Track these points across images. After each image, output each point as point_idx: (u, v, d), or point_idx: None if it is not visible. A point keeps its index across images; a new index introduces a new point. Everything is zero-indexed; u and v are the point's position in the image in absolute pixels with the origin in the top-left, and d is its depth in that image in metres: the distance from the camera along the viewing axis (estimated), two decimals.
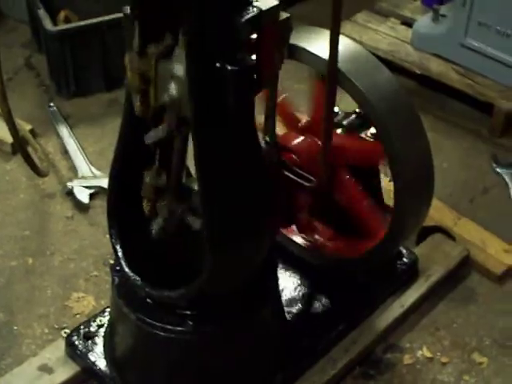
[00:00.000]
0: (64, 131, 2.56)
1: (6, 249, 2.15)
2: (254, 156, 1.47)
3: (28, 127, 2.52)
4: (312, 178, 1.68)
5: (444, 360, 1.89)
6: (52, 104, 2.68)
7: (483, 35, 2.53)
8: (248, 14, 1.38)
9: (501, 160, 2.47)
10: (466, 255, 2.10)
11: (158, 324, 1.57)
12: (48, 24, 2.60)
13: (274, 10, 1.43)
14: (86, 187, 2.32)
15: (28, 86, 2.79)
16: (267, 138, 1.66)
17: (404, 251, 2.03)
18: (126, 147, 1.52)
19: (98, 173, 2.38)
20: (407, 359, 1.89)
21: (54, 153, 2.50)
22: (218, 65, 1.30)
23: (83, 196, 2.30)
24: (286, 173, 1.69)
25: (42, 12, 2.64)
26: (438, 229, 2.16)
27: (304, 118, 1.86)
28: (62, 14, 2.80)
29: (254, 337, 1.65)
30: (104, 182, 2.19)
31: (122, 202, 1.59)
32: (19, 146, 2.05)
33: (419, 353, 1.90)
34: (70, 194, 2.32)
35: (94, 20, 2.62)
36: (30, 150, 2.40)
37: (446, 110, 2.69)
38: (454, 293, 2.05)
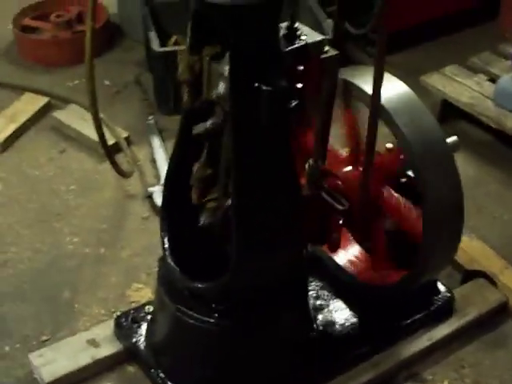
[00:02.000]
0: (156, 142, 2.81)
1: (83, 237, 2.41)
2: (286, 172, 1.63)
3: (124, 135, 2.79)
4: (346, 202, 1.83)
5: None
6: (151, 117, 2.94)
7: None
8: (293, 44, 1.57)
9: None
10: (504, 301, 2.17)
11: (189, 312, 1.75)
12: (155, 45, 2.87)
13: (318, 45, 1.61)
14: None
15: (133, 99, 3.07)
16: (310, 161, 1.83)
17: (442, 288, 2.13)
18: (180, 147, 1.72)
19: None
20: None
21: (143, 160, 2.75)
22: (256, 84, 1.49)
23: (160, 200, 2.51)
24: (324, 195, 1.84)
25: (152, 34, 2.92)
26: (483, 274, 2.24)
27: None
28: (172, 39, 3.06)
29: (273, 337, 1.80)
30: None
31: (176, 198, 1.79)
32: (103, 145, 2.31)
33: None
34: (149, 197, 2.56)
35: None
36: (122, 154, 2.68)
37: None
38: (486, 336, 2.12)
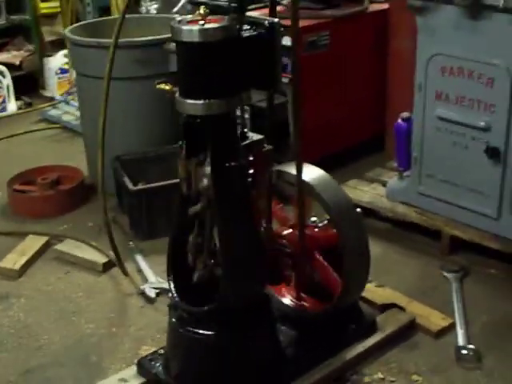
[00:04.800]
0: (139, 257, 3.65)
1: (97, 323, 3.18)
2: (252, 227, 2.53)
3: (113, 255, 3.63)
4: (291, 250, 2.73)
5: (391, 379, 2.79)
6: (131, 243, 3.79)
7: (431, 184, 3.61)
8: (245, 141, 2.51)
9: (447, 268, 3.44)
10: (413, 319, 3.04)
11: (188, 329, 2.56)
12: (130, 185, 3.78)
13: (259, 142, 2.55)
14: (154, 288, 3.37)
15: (114, 232, 3.92)
16: (264, 224, 2.72)
17: (367, 312, 3.00)
18: (179, 223, 2.59)
19: (161, 280, 3.42)
20: (367, 379, 2.79)
21: (131, 271, 3.56)
22: (227, 164, 2.40)
23: (151, 293, 3.34)
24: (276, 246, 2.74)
25: (125, 178, 3.84)
26: (395, 305, 3.13)
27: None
28: (140, 184, 3.98)
29: (251, 352, 2.60)
30: (166, 285, 3.25)
31: (175, 259, 2.64)
32: (114, 251, 3.17)
33: (375, 376, 2.81)
34: (142, 293, 3.37)
35: (162, 183, 3.79)
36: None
37: (410, 240, 3.71)
38: (403, 343, 2.97)
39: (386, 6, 4.48)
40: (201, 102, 2.31)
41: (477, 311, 3.15)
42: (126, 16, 5.06)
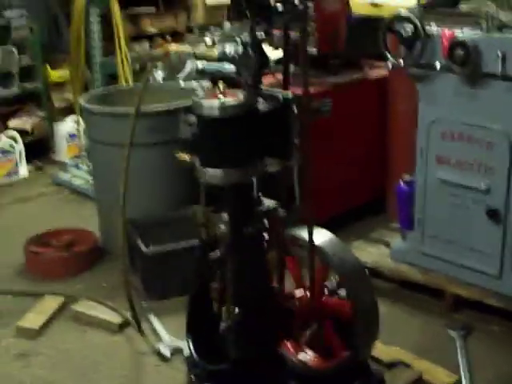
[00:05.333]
0: (152, 318, 3.77)
1: (115, 380, 3.30)
2: (265, 284, 2.67)
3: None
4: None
5: None
6: (143, 303, 3.92)
7: (433, 244, 3.76)
8: (260, 208, 2.67)
9: (451, 326, 3.57)
10: (419, 376, 3.17)
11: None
12: (143, 247, 3.93)
13: (274, 209, 2.71)
14: (168, 347, 3.49)
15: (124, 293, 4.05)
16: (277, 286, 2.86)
17: (375, 369, 3.11)
18: (200, 270, 2.73)
19: (175, 339, 3.55)
20: None
21: (146, 331, 3.68)
22: (244, 229, 2.56)
23: (166, 352, 3.46)
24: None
25: (139, 241, 3.99)
26: (401, 362, 3.25)
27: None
28: (152, 246, 4.13)
29: None
30: (180, 344, 3.40)
31: (193, 321, 2.78)
32: (133, 311, 3.29)
33: None
34: (157, 352, 3.49)
35: (174, 245, 3.94)
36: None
37: (414, 299, 3.85)
38: None
39: (385, 72, 4.68)
40: (220, 170, 2.48)
41: (482, 368, 3.27)
42: (134, 85, 5.32)
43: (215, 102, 2.43)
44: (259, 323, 2.65)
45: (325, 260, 2.92)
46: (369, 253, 4.09)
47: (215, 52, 2.66)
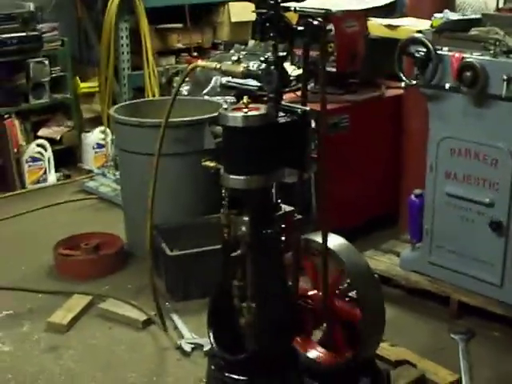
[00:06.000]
0: (175, 317, 4.01)
1: (139, 373, 3.55)
2: (282, 283, 2.91)
3: (153, 312, 3.99)
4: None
5: None
6: (167, 303, 4.16)
7: (440, 254, 3.99)
8: (278, 212, 2.91)
9: (455, 330, 3.79)
10: (423, 374, 3.39)
11: (225, 375, 2.91)
12: (168, 251, 4.19)
13: (291, 212, 2.95)
14: (189, 343, 3.74)
15: (149, 293, 4.28)
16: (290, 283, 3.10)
17: (383, 369, 3.33)
18: (224, 267, 2.95)
19: (196, 336, 3.79)
20: None
21: (169, 329, 3.93)
22: (263, 231, 2.80)
23: (187, 347, 3.71)
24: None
25: (164, 245, 4.25)
26: (407, 362, 3.47)
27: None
28: (175, 250, 4.38)
29: None
30: (200, 341, 3.66)
31: (216, 312, 3.01)
32: (157, 307, 3.55)
33: None
34: (179, 348, 3.73)
35: (196, 250, 4.19)
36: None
37: (422, 305, 4.07)
38: None
39: (400, 91, 4.93)
40: (242, 177, 2.73)
41: (481, 369, 3.50)
42: (161, 98, 5.60)
43: (239, 114, 2.68)
44: (276, 319, 2.88)
45: (338, 263, 3.16)
46: (380, 261, 4.31)
47: (240, 68, 2.88)
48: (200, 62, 3.36)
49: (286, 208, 2.93)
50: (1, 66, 6.03)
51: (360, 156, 4.80)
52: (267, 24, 2.75)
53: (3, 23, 5.97)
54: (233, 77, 3.42)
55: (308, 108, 2.81)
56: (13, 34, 5.96)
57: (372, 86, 4.94)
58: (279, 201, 2.93)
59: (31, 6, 6.20)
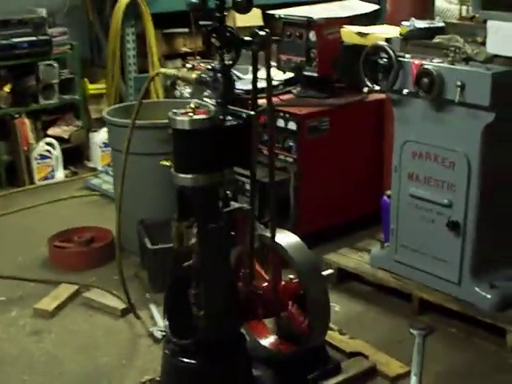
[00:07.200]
0: (152, 307, 4.26)
1: (111, 356, 3.81)
2: (230, 278, 3.14)
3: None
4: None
5: None
6: (147, 294, 4.42)
7: (404, 253, 4.17)
8: (227, 208, 3.14)
9: (414, 326, 3.97)
10: (373, 365, 3.58)
11: (178, 359, 3.15)
12: (149, 245, 4.44)
13: (239, 208, 3.17)
14: (160, 331, 3.98)
15: (134, 285, 4.54)
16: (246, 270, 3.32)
17: (335, 358, 3.54)
18: (175, 275, 3.20)
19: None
20: None
21: (145, 317, 4.18)
22: (209, 226, 3.03)
23: (158, 334, 3.95)
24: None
25: (146, 239, 4.50)
26: (360, 353, 3.68)
27: None
28: (159, 244, 4.62)
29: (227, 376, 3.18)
30: None
31: (171, 304, 3.25)
32: (127, 298, 3.79)
33: None
34: (151, 335, 3.98)
35: None
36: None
37: (387, 301, 4.26)
38: None
39: (383, 96, 5.10)
40: (189, 176, 2.96)
41: (433, 363, 3.68)
42: (164, 100, 5.86)
43: (186, 117, 2.91)
44: (221, 306, 3.10)
45: (284, 255, 3.36)
46: (351, 259, 4.51)
47: (193, 75, 3.11)
48: (162, 69, 3.61)
49: (235, 205, 3.16)
50: (12, 69, 6.35)
51: (341, 158, 4.99)
52: (213, 35, 2.97)
53: (15, 28, 6.31)
54: (189, 83, 3.65)
55: (252, 112, 3.02)
56: (24, 38, 6.30)
57: (355, 90, 5.12)
58: (229, 196, 3.16)
59: (43, 12, 6.52)
